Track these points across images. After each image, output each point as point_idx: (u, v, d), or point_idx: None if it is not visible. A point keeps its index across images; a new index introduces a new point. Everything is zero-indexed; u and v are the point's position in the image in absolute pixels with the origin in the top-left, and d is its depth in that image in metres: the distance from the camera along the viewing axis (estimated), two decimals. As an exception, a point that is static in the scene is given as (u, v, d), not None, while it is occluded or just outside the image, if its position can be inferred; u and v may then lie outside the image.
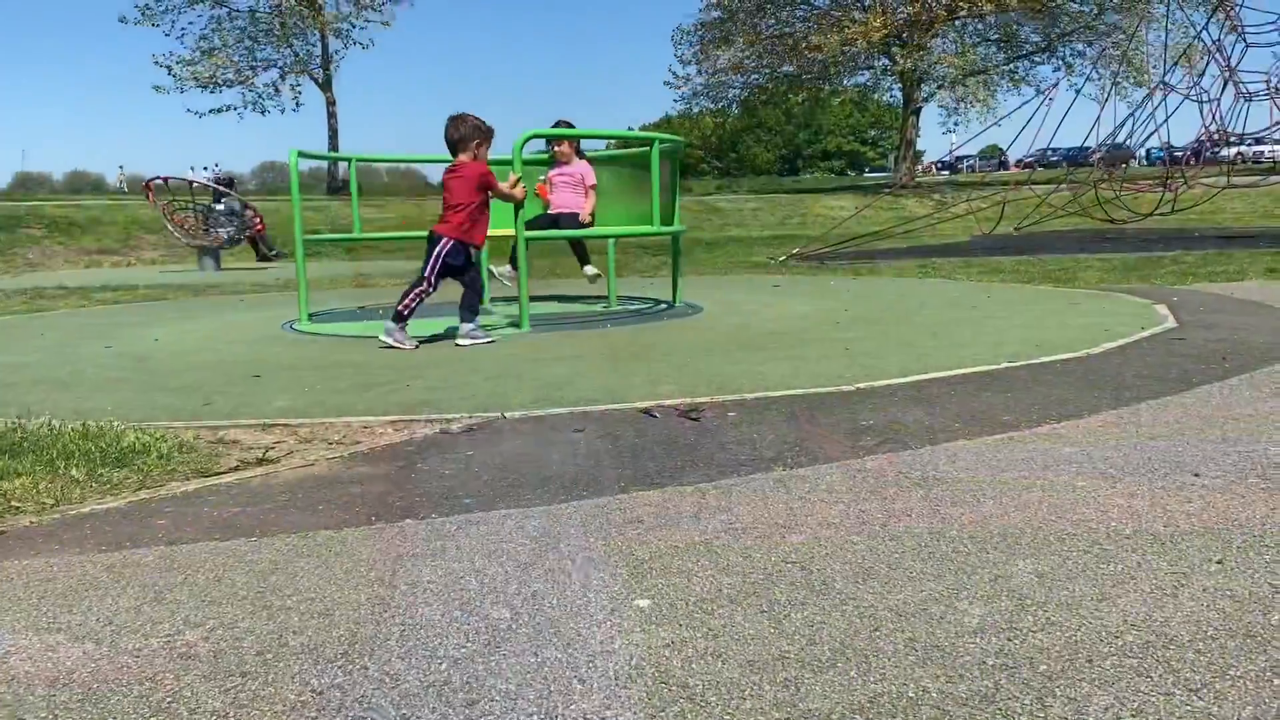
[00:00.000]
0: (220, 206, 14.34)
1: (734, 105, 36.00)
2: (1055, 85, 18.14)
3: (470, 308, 5.12)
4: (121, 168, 49.47)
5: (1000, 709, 1.37)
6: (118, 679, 1.54)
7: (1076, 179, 17.01)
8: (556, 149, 6.77)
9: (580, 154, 6.84)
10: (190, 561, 2.05)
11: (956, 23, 32.20)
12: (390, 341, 4.91)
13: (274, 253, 15.00)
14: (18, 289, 10.44)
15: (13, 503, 2.43)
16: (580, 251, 7.29)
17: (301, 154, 6.51)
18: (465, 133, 5.11)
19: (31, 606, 1.84)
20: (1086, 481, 2.41)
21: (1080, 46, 31.96)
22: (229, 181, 15.14)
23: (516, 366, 4.30)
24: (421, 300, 5.09)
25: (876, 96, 40.01)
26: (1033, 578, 1.82)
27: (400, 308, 5.00)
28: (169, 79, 29.93)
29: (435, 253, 5.08)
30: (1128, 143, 17.55)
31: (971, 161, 59.05)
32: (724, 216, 23.18)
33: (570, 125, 6.84)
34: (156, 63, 30.05)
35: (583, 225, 6.63)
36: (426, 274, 5.09)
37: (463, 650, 1.60)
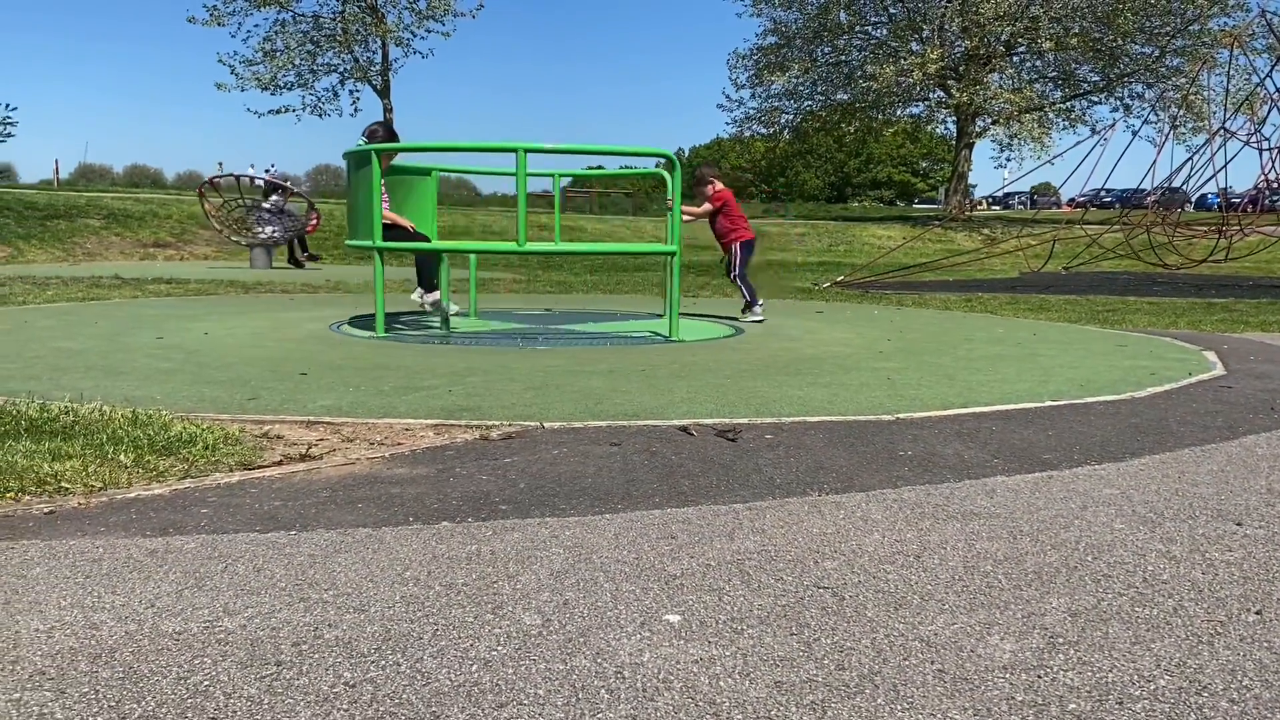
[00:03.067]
0: (267, 205, 14.47)
1: (786, 130, 35.97)
2: (1112, 126, 17.99)
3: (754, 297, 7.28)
4: (220, 164, 50.64)
5: (1027, 745, 1.36)
6: (157, 660, 1.58)
7: (1130, 221, 16.84)
8: (388, 161, 6.30)
9: None
10: (231, 551, 2.09)
11: (1014, 59, 32.04)
12: (755, 318, 7.14)
13: (306, 255, 15.01)
14: (75, 277, 10.69)
15: (63, 484, 2.49)
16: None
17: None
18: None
19: (77, 585, 1.89)
20: (1125, 524, 2.39)
21: (1139, 88, 31.66)
22: (275, 184, 15.20)
23: (556, 378, 4.33)
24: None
25: (930, 128, 39.87)
26: (1066, 616, 1.81)
27: (750, 299, 7.25)
28: (231, 78, 30.55)
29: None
30: (1184, 187, 17.34)
31: (1023, 198, 58.64)
32: (769, 240, 23.19)
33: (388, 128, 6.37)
34: (220, 61, 30.74)
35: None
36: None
37: (494, 653, 1.62)
